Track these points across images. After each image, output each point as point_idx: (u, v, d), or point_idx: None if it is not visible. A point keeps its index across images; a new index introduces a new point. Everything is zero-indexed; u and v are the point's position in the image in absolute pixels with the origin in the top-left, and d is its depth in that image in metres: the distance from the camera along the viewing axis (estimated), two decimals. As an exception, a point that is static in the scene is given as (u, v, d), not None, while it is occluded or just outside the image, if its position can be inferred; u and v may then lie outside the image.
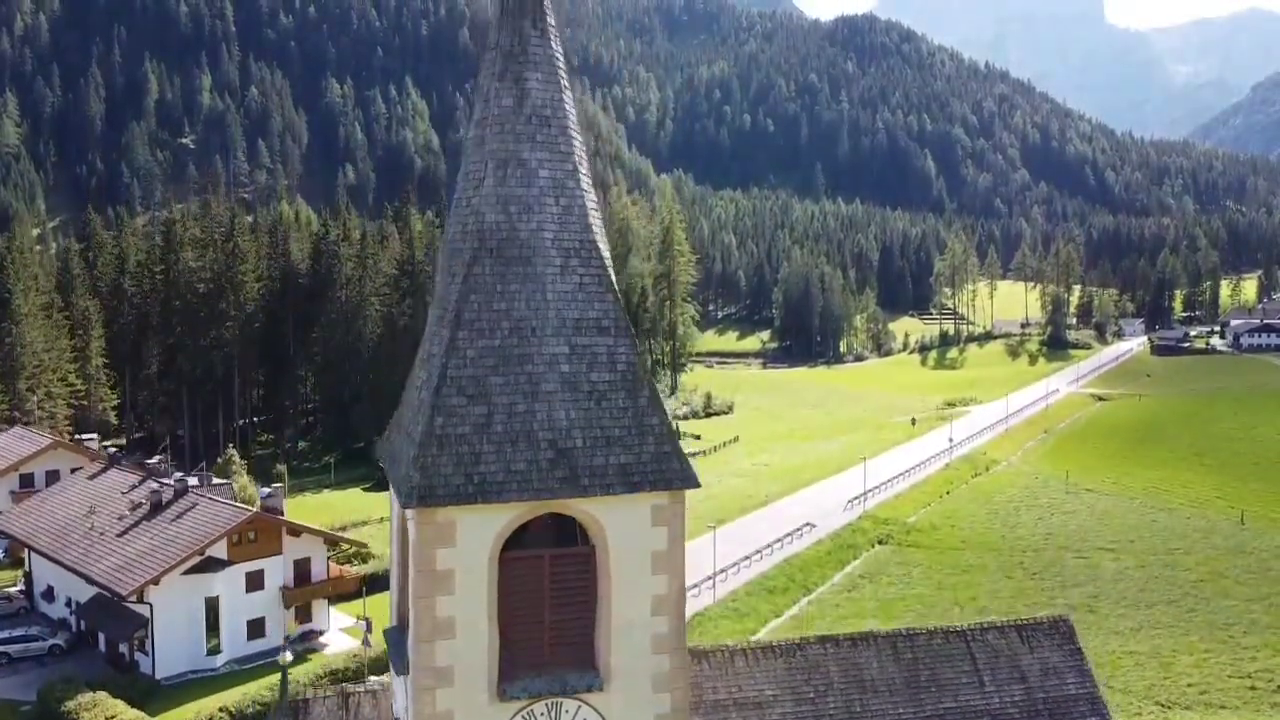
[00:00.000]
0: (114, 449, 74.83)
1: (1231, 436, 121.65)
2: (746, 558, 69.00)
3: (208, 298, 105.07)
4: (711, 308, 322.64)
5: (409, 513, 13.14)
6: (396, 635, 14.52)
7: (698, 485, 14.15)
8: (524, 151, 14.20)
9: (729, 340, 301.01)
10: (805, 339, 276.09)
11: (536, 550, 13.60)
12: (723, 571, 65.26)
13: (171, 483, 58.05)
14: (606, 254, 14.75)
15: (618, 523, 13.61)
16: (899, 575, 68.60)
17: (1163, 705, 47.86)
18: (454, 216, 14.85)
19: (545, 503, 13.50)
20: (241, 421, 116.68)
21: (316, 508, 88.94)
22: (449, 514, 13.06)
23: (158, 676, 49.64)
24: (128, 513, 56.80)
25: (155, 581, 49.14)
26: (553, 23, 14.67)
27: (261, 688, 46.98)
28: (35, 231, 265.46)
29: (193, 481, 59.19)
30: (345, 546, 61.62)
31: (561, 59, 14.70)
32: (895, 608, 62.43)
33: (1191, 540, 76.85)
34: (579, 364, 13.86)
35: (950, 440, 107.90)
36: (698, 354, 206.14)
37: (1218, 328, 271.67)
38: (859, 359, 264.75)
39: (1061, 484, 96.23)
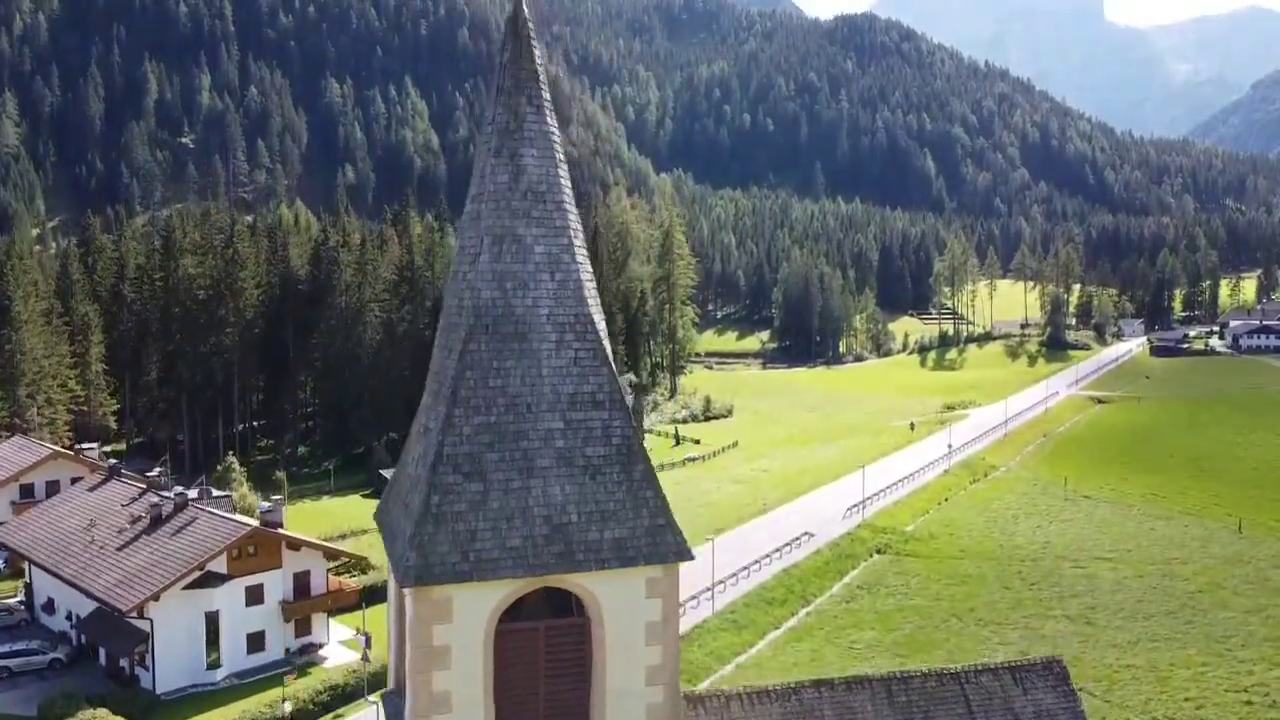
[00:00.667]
0: (114, 460, 74.85)
1: (1229, 442, 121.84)
2: (745, 568, 69.12)
3: (207, 304, 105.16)
4: (711, 308, 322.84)
5: (406, 590, 13.27)
6: (394, 702, 14.65)
7: (691, 559, 14.28)
8: (519, 228, 14.32)
9: (728, 340, 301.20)
10: (805, 339, 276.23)
11: (532, 622, 13.72)
12: (721, 583, 65.36)
13: (171, 496, 58.18)
14: (602, 325, 14.85)
15: (612, 595, 13.75)
16: (897, 586, 68.74)
17: (1159, 721, 47.96)
18: (450, 291, 14.95)
19: (541, 578, 13.60)
20: (241, 427, 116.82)
21: (316, 515, 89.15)
22: (445, 591, 13.17)
23: (158, 691, 49.80)
24: (128, 526, 56.93)
25: (155, 598, 49.26)
26: (548, 98, 14.78)
27: (261, 704, 47.21)
28: (35, 231, 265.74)
29: (192, 494, 59.31)
30: (345, 559, 61.59)
31: (557, 133, 14.82)
32: (893, 619, 62.59)
33: (1189, 549, 77.03)
34: (574, 439, 13.95)
35: (949, 446, 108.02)
36: (697, 355, 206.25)
37: (1217, 328, 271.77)
38: (858, 359, 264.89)
39: (1060, 490, 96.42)
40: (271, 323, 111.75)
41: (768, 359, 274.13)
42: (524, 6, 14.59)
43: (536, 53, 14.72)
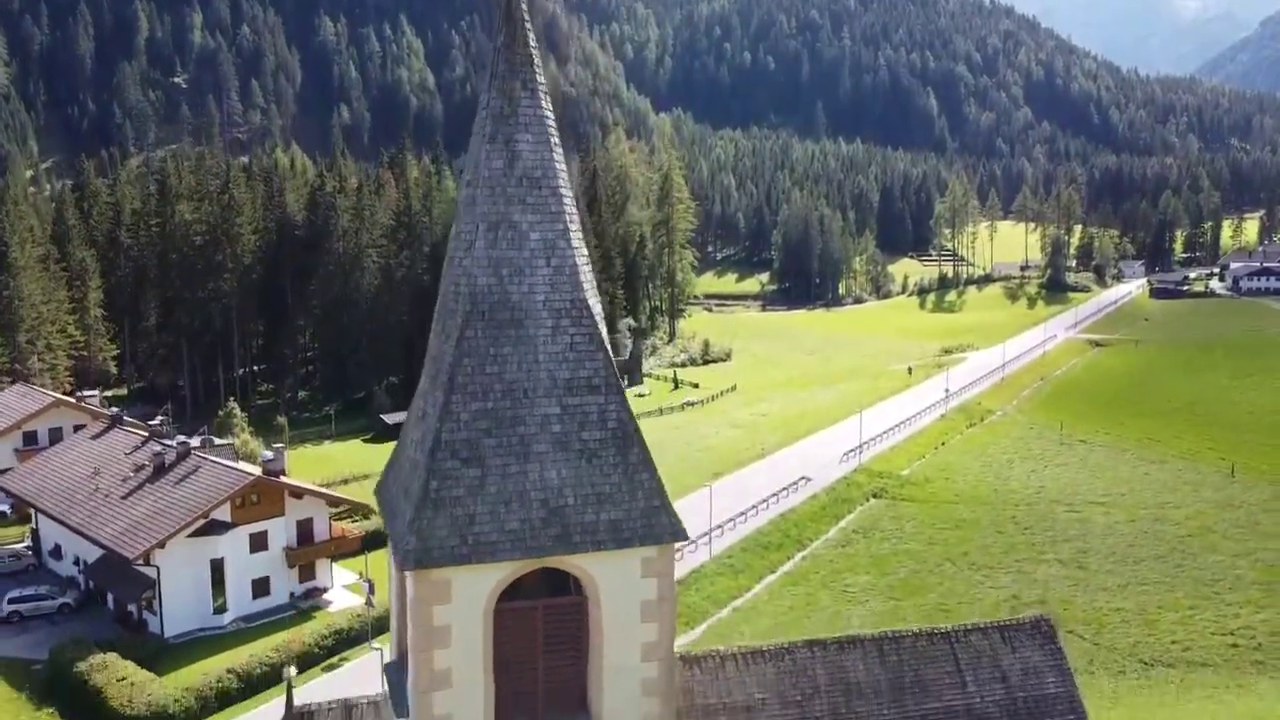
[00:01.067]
0: (115, 406, 75.26)
1: (1225, 386, 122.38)
2: (742, 513, 70.01)
3: (204, 250, 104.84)
4: (710, 249, 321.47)
5: (406, 572, 13.56)
6: (396, 672, 15.06)
7: (686, 539, 14.57)
8: (515, 214, 14.33)
9: (728, 283, 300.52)
10: (804, 281, 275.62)
11: (530, 601, 14.05)
12: (719, 527, 66.30)
13: (174, 445, 58.71)
14: (598, 310, 14.95)
15: (609, 575, 14.07)
16: (892, 530, 69.67)
17: (1146, 663, 49.11)
18: (446, 276, 15.03)
19: (538, 560, 13.93)
20: (241, 371, 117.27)
21: (317, 460, 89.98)
22: (444, 573, 13.48)
23: (166, 635, 50.80)
24: (131, 474, 57.54)
25: (161, 545, 50.01)
26: (542, 81, 14.68)
27: (267, 648, 48.17)
28: (29, 174, 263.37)
29: (195, 443, 59.74)
30: (347, 506, 62.34)
31: (551, 117, 14.75)
32: (888, 563, 63.61)
33: (1182, 494, 77.85)
34: (570, 423, 14.14)
35: (946, 391, 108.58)
36: (696, 297, 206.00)
37: (1217, 270, 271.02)
38: (858, 301, 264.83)
39: (1055, 434, 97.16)
40: (269, 268, 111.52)
41: (767, 301, 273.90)
42: None
43: (531, 36, 14.62)
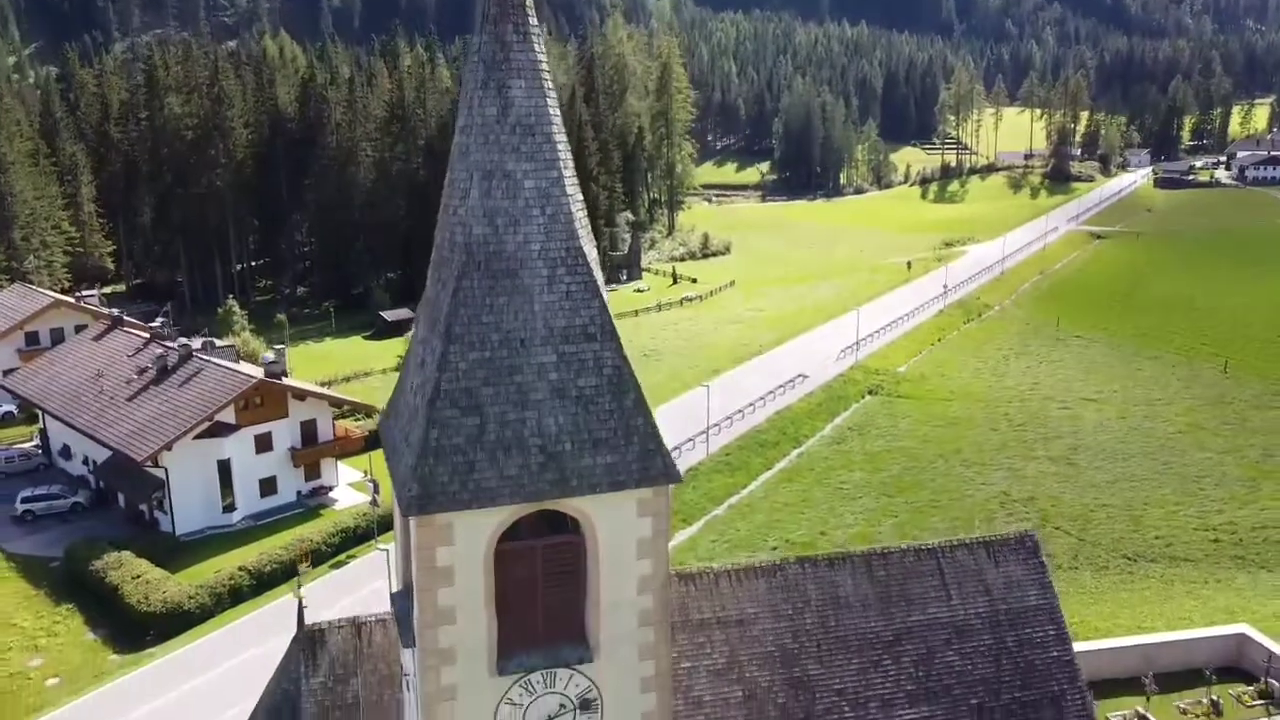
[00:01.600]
0: (114, 309, 75.32)
1: (1224, 280, 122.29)
2: (740, 410, 70.99)
3: (196, 145, 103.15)
4: (710, 138, 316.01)
5: (410, 516, 14.02)
6: (402, 600, 15.72)
7: (679, 480, 14.98)
8: (509, 163, 14.24)
9: (728, 172, 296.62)
10: (805, 171, 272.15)
11: (530, 541, 14.55)
12: (715, 425, 67.33)
13: (175, 347, 59.09)
14: (593, 255, 14.98)
15: (605, 516, 14.52)
16: (886, 428, 70.73)
17: (1129, 558, 50.62)
18: (441, 224, 14.99)
19: (537, 503, 14.38)
20: (239, 267, 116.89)
21: (319, 358, 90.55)
22: (446, 518, 13.94)
23: (178, 534, 52.15)
24: (135, 376, 58.12)
25: (168, 447, 50.88)
26: (535, 24, 14.35)
27: (276, 545, 49.53)
28: (11, 60, 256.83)
29: (196, 345, 60.08)
30: (350, 407, 63.08)
31: (545, 62, 14.47)
32: (881, 459, 64.84)
33: (1174, 390, 78.80)
34: (566, 371, 14.37)
35: (945, 286, 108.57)
36: (695, 188, 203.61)
37: (1224, 158, 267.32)
38: (859, 192, 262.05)
39: (1052, 331, 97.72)
40: (262, 164, 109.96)
41: (767, 191, 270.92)
42: None
43: None
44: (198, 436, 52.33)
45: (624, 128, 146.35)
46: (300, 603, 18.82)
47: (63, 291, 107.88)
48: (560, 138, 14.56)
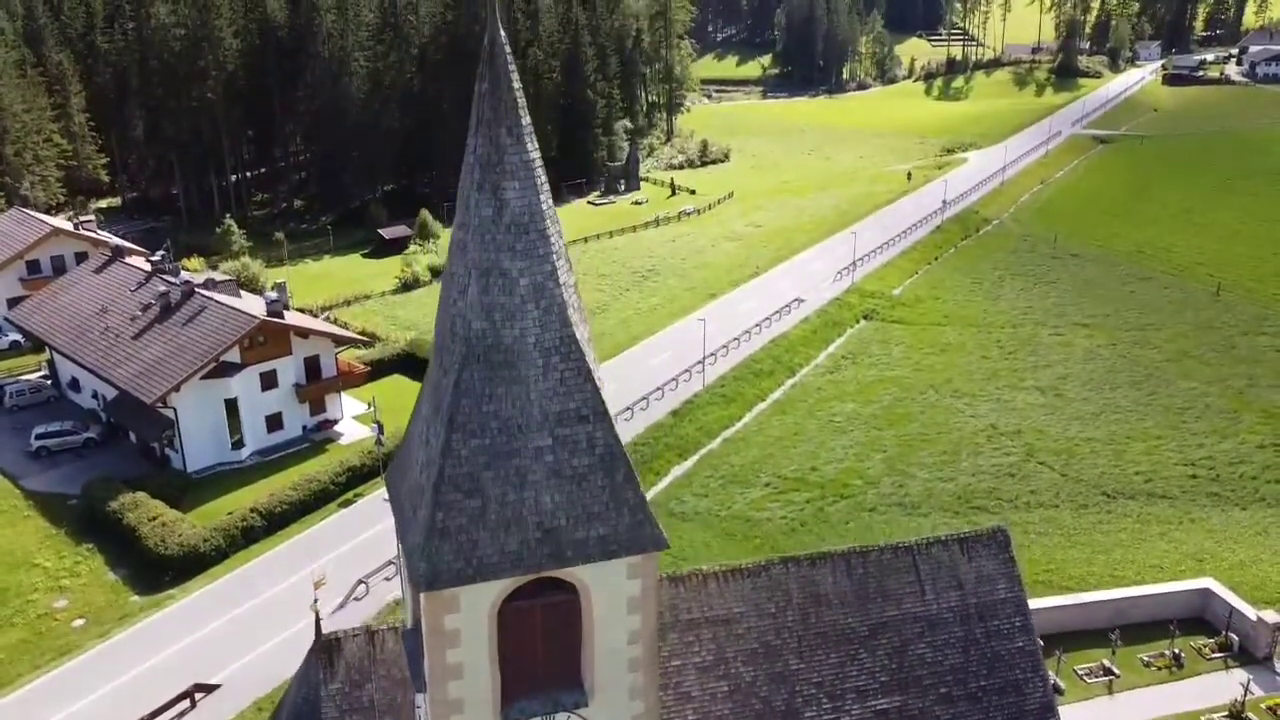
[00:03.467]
0: (115, 239, 75.49)
1: (1225, 189, 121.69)
2: (736, 338, 72.07)
3: (184, 56, 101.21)
4: (710, 30, 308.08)
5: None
6: (411, 639, 17.13)
7: (667, 547, 16.12)
8: (504, 261, 14.96)
9: (728, 66, 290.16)
10: (808, 64, 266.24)
11: (529, 601, 15.82)
12: (712, 355, 68.51)
13: (178, 283, 59.71)
14: (584, 336, 15.75)
15: (599, 579, 15.79)
16: (879, 356, 71.89)
17: (1109, 495, 52.37)
18: (441, 314, 15.77)
19: (535, 573, 15.60)
20: (235, 177, 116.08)
21: (318, 278, 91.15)
22: (453, 591, 15.25)
23: (189, 470, 53.90)
24: (139, 313, 58.96)
25: (176, 389, 52.10)
26: (528, 123, 14.81)
27: (285, 485, 51.21)
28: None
29: (199, 281, 60.67)
30: (352, 343, 63.86)
31: (538, 158, 15.00)
32: (873, 390, 66.19)
33: (1165, 314, 79.63)
34: (562, 452, 15.38)
35: (944, 201, 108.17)
36: (695, 89, 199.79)
37: (1235, 52, 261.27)
38: (861, 87, 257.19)
39: (1049, 248, 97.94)
40: (254, 75, 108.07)
41: (768, 87, 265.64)
42: (499, 32, 14.32)
43: (515, 79, 14.66)
44: (204, 376, 53.53)
45: (621, 30, 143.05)
46: (317, 616, 20.22)
47: (58, 206, 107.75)
48: (554, 230, 15.27)
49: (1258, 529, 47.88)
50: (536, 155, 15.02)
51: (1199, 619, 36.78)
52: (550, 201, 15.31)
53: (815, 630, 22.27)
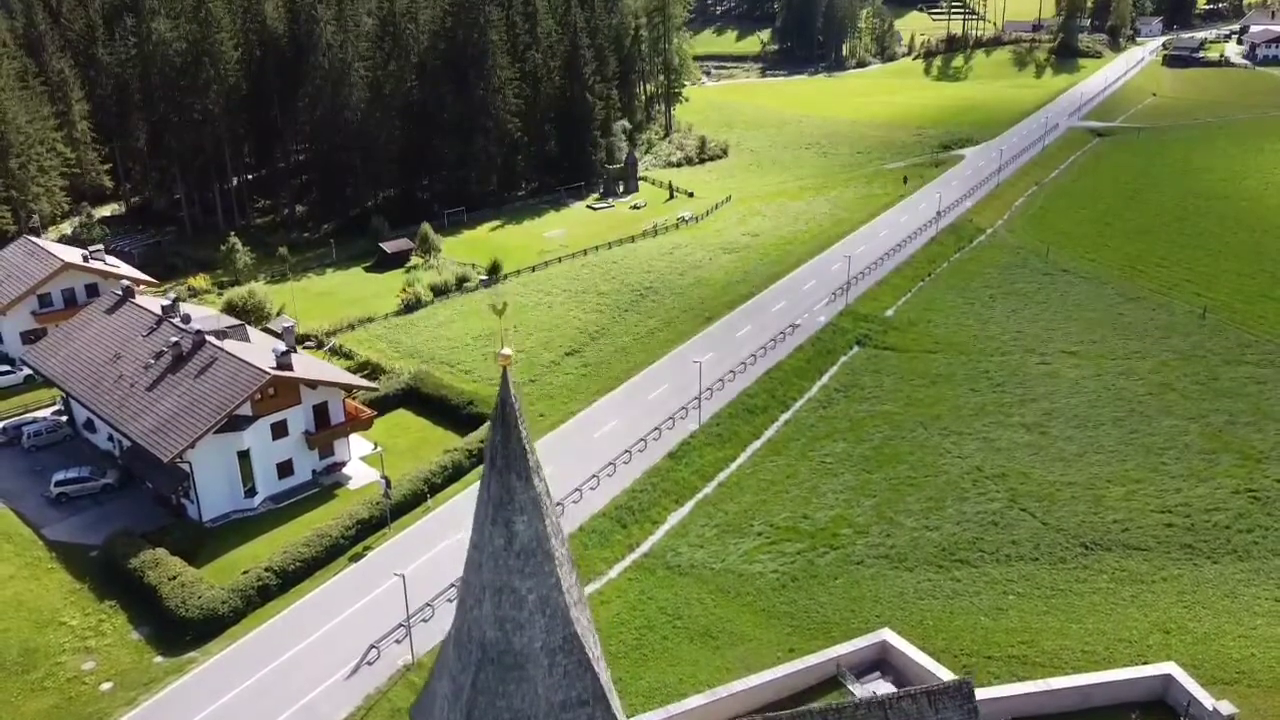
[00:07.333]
0: (126, 282, 77.02)
1: (1218, 194, 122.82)
2: (731, 371, 74.10)
3: (186, 71, 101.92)
4: (709, 3, 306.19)
5: None
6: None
7: None
8: (515, 581, 17.02)
9: (727, 41, 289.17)
10: (807, 40, 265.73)
11: None
12: (708, 390, 70.57)
13: (189, 330, 61.48)
14: (585, 625, 17.79)
15: None
16: (871, 388, 73.83)
17: (1087, 547, 54.53)
18: (460, 616, 17.84)
19: None
20: (235, 180, 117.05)
21: (321, 295, 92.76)
22: None
23: (204, 520, 56.12)
24: (152, 361, 60.85)
25: (192, 445, 54.13)
26: (535, 462, 16.75)
27: (297, 540, 53.25)
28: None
29: (208, 325, 62.39)
30: (360, 389, 65.72)
31: (544, 490, 16.96)
32: (864, 427, 68.25)
33: (1150, 340, 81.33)
34: None
35: (939, 212, 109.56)
36: (692, 78, 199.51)
37: (1236, 30, 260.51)
38: (861, 65, 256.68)
39: (1040, 262, 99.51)
40: (255, 86, 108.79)
41: (767, 65, 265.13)
42: (510, 393, 16.20)
43: (524, 431, 16.57)
44: (218, 431, 55.51)
45: (620, 28, 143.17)
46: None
47: (63, 215, 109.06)
48: (557, 545, 17.32)
49: (1225, 589, 50.12)
50: (543, 487, 17.00)
51: (1161, 702, 39.21)
52: (556, 521, 17.29)
53: (796, 784, 24.63)
